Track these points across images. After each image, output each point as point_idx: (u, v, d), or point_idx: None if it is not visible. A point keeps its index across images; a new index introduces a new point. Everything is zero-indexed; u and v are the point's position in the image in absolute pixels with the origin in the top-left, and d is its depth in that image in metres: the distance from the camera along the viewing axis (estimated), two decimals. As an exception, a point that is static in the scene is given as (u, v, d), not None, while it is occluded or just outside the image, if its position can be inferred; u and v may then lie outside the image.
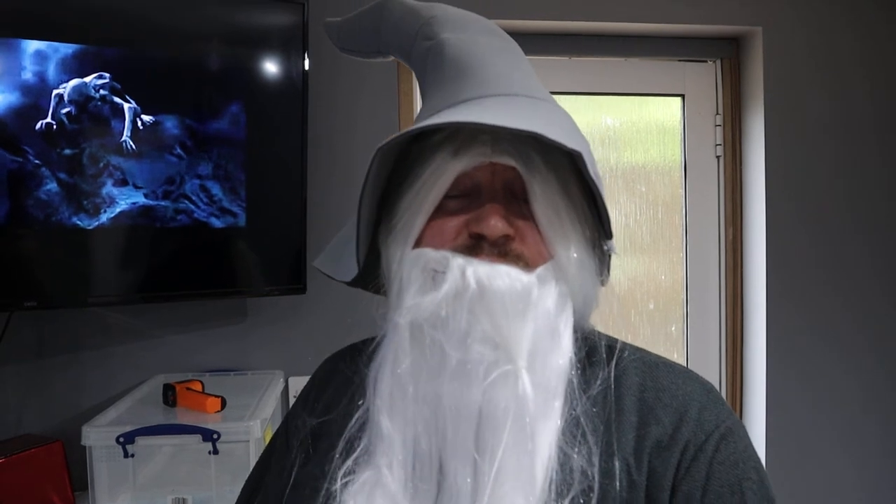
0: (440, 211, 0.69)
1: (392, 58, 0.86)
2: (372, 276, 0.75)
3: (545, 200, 0.68)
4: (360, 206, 0.69)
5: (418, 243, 0.69)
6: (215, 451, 1.31)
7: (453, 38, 0.73)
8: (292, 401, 1.77)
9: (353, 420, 0.68)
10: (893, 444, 1.97)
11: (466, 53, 0.72)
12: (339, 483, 0.65)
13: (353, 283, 0.77)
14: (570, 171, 0.70)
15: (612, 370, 0.71)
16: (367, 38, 0.85)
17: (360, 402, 0.69)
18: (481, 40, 0.74)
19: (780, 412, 1.92)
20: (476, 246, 0.66)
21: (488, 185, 0.69)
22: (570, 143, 0.62)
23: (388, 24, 0.81)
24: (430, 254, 0.67)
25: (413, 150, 0.73)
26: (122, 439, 1.28)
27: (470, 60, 0.72)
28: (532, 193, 0.68)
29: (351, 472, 0.65)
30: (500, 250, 0.66)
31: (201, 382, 1.53)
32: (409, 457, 0.64)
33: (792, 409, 1.93)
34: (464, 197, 0.69)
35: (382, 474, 0.64)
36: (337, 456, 0.67)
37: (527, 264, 0.67)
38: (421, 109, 0.76)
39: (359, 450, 0.66)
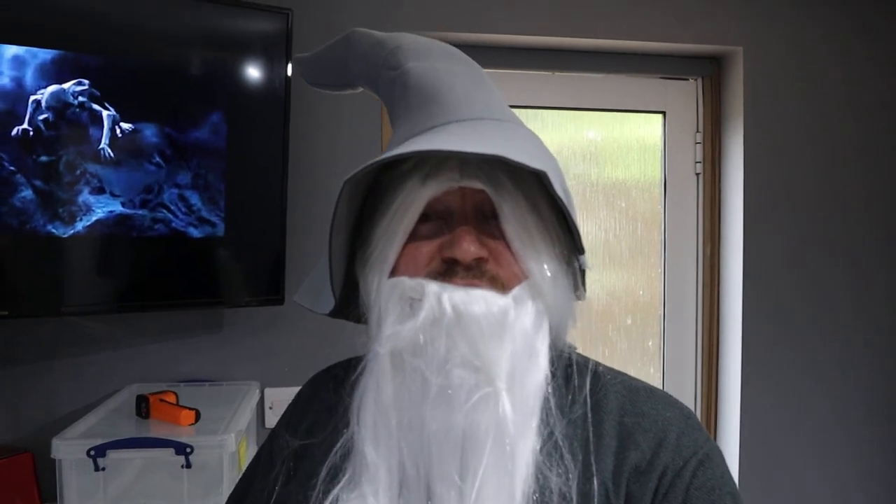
0: (414, 237, 0.70)
1: (361, 89, 0.87)
2: (353, 306, 0.75)
3: (515, 220, 0.68)
4: (331, 239, 0.69)
5: (394, 271, 0.70)
6: (188, 465, 1.30)
7: (417, 67, 0.74)
8: (268, 412, 1.77)
9: (336, 448, 0.69)
10: (864, 457, 1.99)
11: (430, 81, 0.73)
12: None
13: (334, 314, 0.78)
14: (539, 189, 0.71)
15: (588, 391, 0.72)
16: (336, 71, 0.86)
17: (344, 431, 0.69)
18: (444, 66, 0.75)
19: (754, 426, 1.94)
20: (450, 270, 0.67)
21: (459, 208, 0.70)
22: (534, 163, 0.63)
23: (355, 56, 0.82)
24: (406, 282, 0.68)
25: (384, 179, 0.74)
26: (92, 452, 1.26)
27: (433, 88, 0.73)
28: (502, 214, 0.68)
29: (336, 501, 0.65)
30: (475, 273, 0.67)
31: (175, 394, 1.51)
32: (394, 483, 0.65)
33: (766, 424, 1.94)
34: (436, 221, 0.70)
35: (368, 502, 0.64)
36: (320, 483, 0.68)
37: (502, 285, 0.68)
38: (390, 139, 0.76)
39: (344, 480, 0.67)
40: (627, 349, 2.08)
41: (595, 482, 0.65)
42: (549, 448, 0.66)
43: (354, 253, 0.75)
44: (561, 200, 0.67)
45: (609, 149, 2.07)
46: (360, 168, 0.66)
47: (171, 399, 1.48)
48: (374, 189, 0.75)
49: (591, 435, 0.69)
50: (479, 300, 0.65)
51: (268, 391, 1.78)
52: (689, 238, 2.07)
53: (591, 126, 2.06)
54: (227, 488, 1.30)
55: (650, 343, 2.09)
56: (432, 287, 0.66)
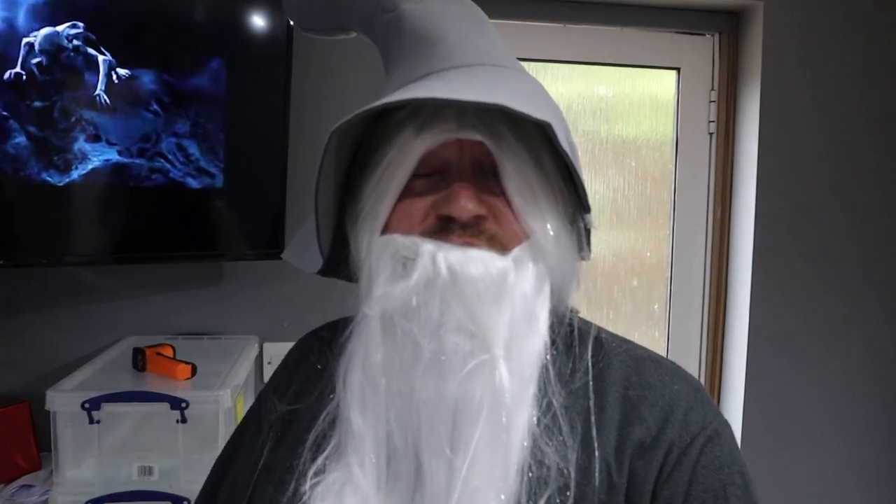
0: (407, 192, 0.66)
1: (354, 34, 0.82)
2: (344, 264, 0.72)
3: (517, 175, 0.64)
4: (318, 194, 0.65)
5: (386, 229, 0.66)
6: (183, 420, 1.28)
7: (412, 9, 0.69)
8: (266, 367, 1.75)
9: (323, 415, 0.66)
10: (873, 423, 1.97)
11: (427, 24, 0.68)
12: (308, 483, 0.63)
13: (324, 272, 0.74)
14: (542, 142, 0.66)
15: (591, 359, 0.68)
16: (330, 14, 0.81)
17: (331, 397, 0.66)
18: (442, 8, 0.70)
19: (760, 393, 1.92)
20: (445, 228, 0.63)
21: (456, 162, 0.65)
22: (538, 114, 0.58)
23: None
24: (399, 240, 0.64)
25: (377, 130, 0.69)
26: (87, 405, 1.25)
27: (430, 31, 0.68)
28: (502, 169, 0.64)
29: (321, 471, 0.63)
30: (472, 231, 0.63)
31: (172, 347, 1.49)
32: (381, 454, 0.62)
33: (772, 390, 1.92)
34: (432, 175, 0.66)
35: (353, 473, 0.61)
36: (306, 451, 0.65)
37: (502, 245, 0.64)
38: (384, 86, 0.71)
39: (329, 448, 0.64)
40: (632, 311, 2.05)
41: (596, 457, 0.62)
42: (548, 420, 0.62)
43: (345, 208, 0.71)
44: (566, 154, 0.62)
45: (620, 105, 2.01)
46: (348, 117, 0.61)
47: (168, 352, 1.46)
48: (367, 139, 0.70)
49: (592, 406, 0.65)
50: (476, 261, 0.61)
51: (267, 346, 1.77)
52: (700, 199, 2.02)
53: (602, 81, 1.99)
54: (223, 443, 1.29)
55: (656, 306, 2.06)
56: (427, 246, 0.62)
